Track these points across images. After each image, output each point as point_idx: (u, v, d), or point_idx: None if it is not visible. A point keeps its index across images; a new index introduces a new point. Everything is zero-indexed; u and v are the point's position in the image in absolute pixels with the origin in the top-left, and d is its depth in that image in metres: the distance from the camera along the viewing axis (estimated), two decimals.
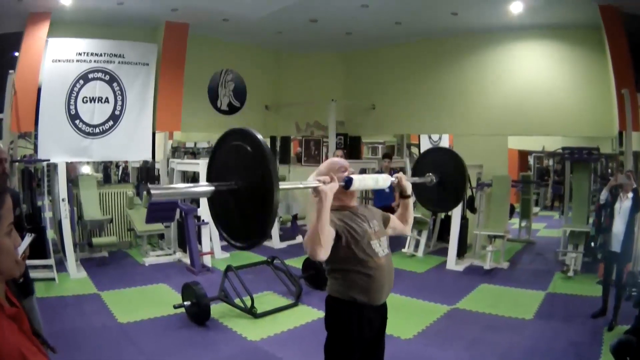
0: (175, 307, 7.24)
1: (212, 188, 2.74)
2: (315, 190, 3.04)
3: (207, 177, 3.02)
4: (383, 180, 3.65)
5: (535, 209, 17.84)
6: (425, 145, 18.13)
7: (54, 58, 10.68)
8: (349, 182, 3.32)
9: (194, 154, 17.07)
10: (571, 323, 7.41)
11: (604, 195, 8.02)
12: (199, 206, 10.73)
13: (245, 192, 2.76)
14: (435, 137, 18.10)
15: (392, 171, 8.89)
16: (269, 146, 15.34)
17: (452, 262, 10.84)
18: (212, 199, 2.95)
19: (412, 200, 3.96)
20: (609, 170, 14.16)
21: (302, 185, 3.15)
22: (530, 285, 9.44)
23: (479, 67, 12.94)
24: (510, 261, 11.30)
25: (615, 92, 10.05)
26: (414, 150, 18.53)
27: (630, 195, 7.39)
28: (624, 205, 7.42)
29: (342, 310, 3.43)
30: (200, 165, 11.09)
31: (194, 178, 12.08)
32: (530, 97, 11.99)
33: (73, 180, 11.29)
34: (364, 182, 3.50)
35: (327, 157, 14.03)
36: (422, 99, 13.89)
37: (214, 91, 13.92)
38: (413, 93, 14.05)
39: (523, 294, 9.10)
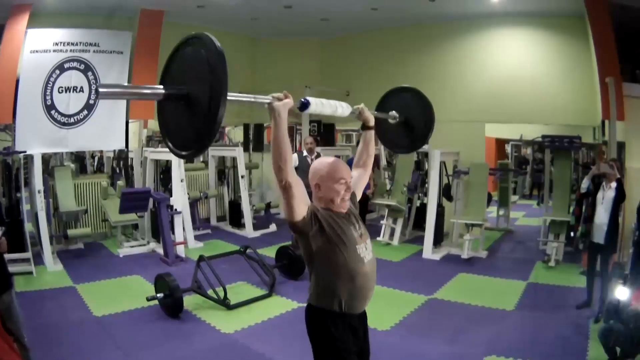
0: (148, 299, 7.12)
1: (162, 91, 2.64)
2: (269, 107, 2.92)
3: (161, 80, 2.87)
4: (342, 109, 3.52)
5: (514, 198, 17.84)
6: None
7: (32, 49, 10.60)
8: (306, 103, 3.19)
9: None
10: (555, 314, 7.37)
11: (585, 183, 7.93)
12: (171, 195, 10.63)
13: (194, 99, 2.65)
14: None
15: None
16: (246, 133, 15.49)
17: (429, 251, 10.73)
18: (162, 105, 2.89)
19: (373, 133, 3.81)
20: (591, 160, 14.15)
21: (254, 99, 2.94)
22: (511, 275, 9.39)
23: (458, 54, 12.95)
24: (488, 250, 11.24)
25: (598, 81, 10.01)
26: None
27: (614, 185, 7.31)
28: (607, 195, 7.33)
29: (325, 320, 3.22)
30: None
31: (166, 167, 11.92)
32: (512, 84, 12.02)
33: (49, 171, 11.11)
34: (322, 106, 3.34)
35: (300, 145, 14.02)
36: (398, 85, 13.77)
37: None
38: (389, 79, 13.84)
39: (503, 283, 9.05)
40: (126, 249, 10.67)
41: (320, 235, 3.11)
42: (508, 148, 22.98)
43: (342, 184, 3.24)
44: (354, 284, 3.16)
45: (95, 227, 11.82)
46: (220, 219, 14.12)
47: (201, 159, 15.05)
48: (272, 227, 13.13)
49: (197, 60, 2.67)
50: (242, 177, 12.34)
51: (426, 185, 11.96)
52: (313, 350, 3.31)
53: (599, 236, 7.31)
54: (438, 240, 11.09)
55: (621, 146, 9.77)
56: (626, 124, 9.79)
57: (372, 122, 3.74)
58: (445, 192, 11.58)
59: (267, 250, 10.16)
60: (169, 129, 2.89)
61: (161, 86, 2.68)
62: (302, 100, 3.12)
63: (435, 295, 8.20)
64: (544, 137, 11.05)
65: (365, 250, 3.26)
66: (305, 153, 10.39)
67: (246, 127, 16.02)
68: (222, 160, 14.25)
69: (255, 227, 12.91)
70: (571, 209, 10.64)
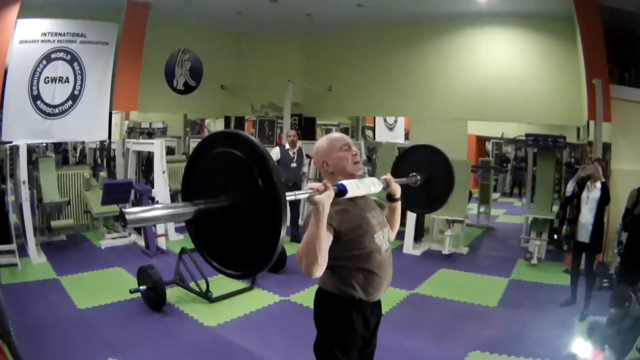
0: (131, 291, 7.10)
1: (195, 208, 2.27)
2: (311, 200, 2.66)
3: (183, 195, 2.58)
4: (375, 186, 3.30)
5: (495, 195, 17.90)
6: (381, 128, 18.24)
7: (21, 39, 10.51)
8: (343, 190, 2.92)
9: (149, 134, 16.93)
10: (539, 311, 7.42)
11: (570, 187, 7.97)
12: (153, 187, 10.64)
13: (240, 209, 2.32)
14: (390, 120, 18.19)
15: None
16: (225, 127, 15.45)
17: (409, 246, 10.77)
18: (194, 221, 2.44)
19: (400, 204, 3.67)
20: (573, 160, 14.24)
21: (295, 196, 2.59)
22: (492, 272, 9.44)
23: (443, 53, 12.99)
24: (469, 246, 11.31)
25: (585, 82, 10.05)
26: (369, 133, 18.49)
27: (599, 185, 7.36)
28: (591, 195, 7.36)
29: (337, 306, 3.13)
30: (155, 145, 10.97)
31: (148, 158, 11.90)
32: (496, 83, 12.08)
33: (33, 162, 11.06)
34: (357, 189, 3.05)
35: (280, 139, 14.04)
36: (381, 81, 13.92)
37: (170, 71, 13.88)
38: (372, 76, 14.06)
39: (485, 280, 9.12)
40: (108, 241, 10.62)
41: (337, 236, 3.00)
42: (489, 146, 23.08)
43: (345, 150, 3.22)
44: (371, 272, 3.11)
45: (78, 219, 11.74)
46: None
47: (182, 151, 15.06)
48: None
49: (228, 164, 2.35)
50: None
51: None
52: (318, 335, 3.24)
53: (583, 235, 7.35)
54: (418, 236, 11.13)
55: (607, 147, 9.83)
56: (613, 126, 9.85)
57: (398, 194, 3.61)
58: None
59: None
60: (212, 247, 2.51)
61: (191, 203, 2.30)
62: (340, 186, 2.92)
63: (417, 291, 8.24)
64: (527, 135, 11.11)
65: (383, 239, 3.23)
66: (287, 146, 10.41)
67: (227, 120, 16.04)
68: None
69: None
70: (554, 208, 10.72)
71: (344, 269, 3.09)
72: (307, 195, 2.64)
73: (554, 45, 11.47)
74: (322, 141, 3.33)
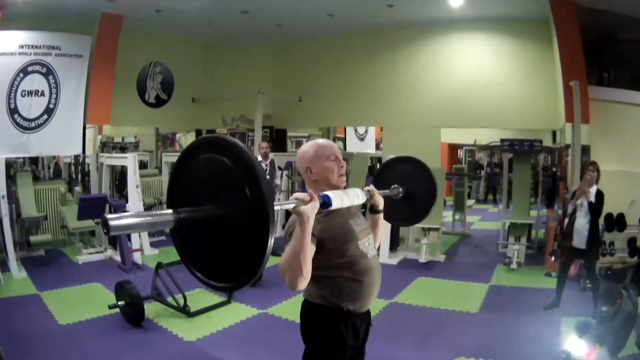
0: (110, 307, 7.07)
1: (178, 216, 2.20)
2: (296, 211, 2.61)
3: (168, 204, 2.44)
4: (359, 198, 3.21)
5: (470, 202, 17.98)
6: (352, 138, 18.35)
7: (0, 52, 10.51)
8: (328, 202, 2.85)
9: (122, 148, 16.90)
10: (522, 315, 7.43)
11: (570, 209, 7.92)
12: (127, 201, 10.58)
13: (226, 218, 2.24)
14: (361, 130, 18.29)
15: None
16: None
17: (385, 255, 10.67)
18: (178, 230, 2.38)
19: (382, 217, 3.57)
20: (550, 163, 14.32)
21: (279, 206, 2.46)
22: (471, 278, 9.47)
23: (415, 59, 13.10)
24: (446, 254, 11.33)
25: (562, 85, 10.14)
26: (339, 144, 18.52)
27: (594, 190, 7.38)
28: (586, 202, 7.40)
29: (325, 318, 3.05)
30: (129, 160, 10.92)
31: (122, 173, 11.84)
32: (470, 89, 12.19)
33: (11, 177, 10.98)
34: (341, 200, 2.98)
35: (252, 151, 14.04)
36: (352, 91, 14.03)
37: (142, 84, 13.87)
38: (343, 86, 14.14)
39: (465, 286, 9.15)
40: (85, 256, 10.55)
41: (320, 246, 2.93)
42: (461, 153, 23.20)
43: (332, 160, 3.13)
44: (358, 281, 3.05)
45: (54, 234, 11.69)
46: None
47: (154, 165, 15.00)
48: None
49: (215, 171, 2.27)
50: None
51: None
52: (306, 349, 3.16)
53: (579, 241, 7.38)
54: (394, 245, 11.13)
55: (585, 149, 9.91)
56: (591, 127, 9.96)
57: (381, 206, 3.51)
58: None
59: None
60: (196, 258, 2.43)
61: (175, 211, 2.22)
62: (324, 197, 2.85)
63: (396, 300, 8.23)
64: (502, 140, 11.17)
65: (368, 246, 3.17)
66: (259, 158, 10.36)
67: (198, 133, 16.00)
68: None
69: None
70: (532, 213, 10.80)
71: (330, 279, 3.02)
72: (292, 205, 2.59)
73: (528, 49, 11.62)
74: (309, 146, 3.22)
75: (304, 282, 2.70)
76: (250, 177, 2.16)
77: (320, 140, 3.25)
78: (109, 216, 1.95)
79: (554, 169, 13.23)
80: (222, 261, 2.31)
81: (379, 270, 3.23)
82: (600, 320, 5.50)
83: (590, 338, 5.27)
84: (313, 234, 2.82)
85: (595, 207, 7.32)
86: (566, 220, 7.70)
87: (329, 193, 2.89)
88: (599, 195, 7.36)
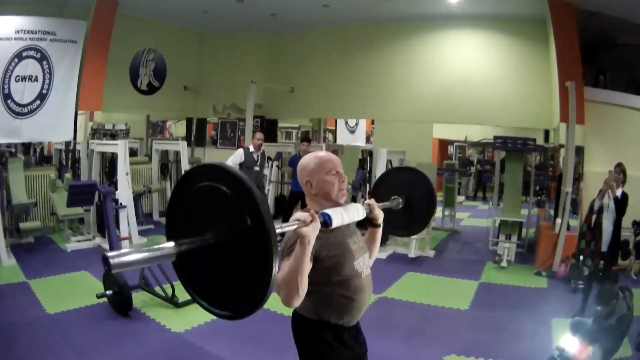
0: (98, 296, 7.05)
1: (180, 249, 2.13)
2: (297, 232, 2.51)
3: (167, 234, 2.39)
4: (359, 213, 3.11)
5: (460, 198, 18.00)
6: (342, 131, 18.39)
7: None
8: (329, 221, 2.77)
9: (113, 135, 16.86)
10: (513, 313, 7.46)
11: (597, 205, 7.87)
12: (116, 188, 10.50)
13: (227, 246, 2.17)
14: (351, 123, 18.31)
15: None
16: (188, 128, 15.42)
17: None
18: (180, 260, 2.24)
19: (380, 231, 3.48)
20: (543, 161, 14.32)
21: (281, 228, 2.38)
22: (461, 275, 9.48)
23: (409, 54, 13.17)
24: (435, 250, 11.36)
25: (558, 85, 10.13)
26: (329, 136, 18.55)
27: (619, 192, 7.35)
28: (612, 203, 7.35)
29: (314, 330, 3.02)
30: (119, 147, 10.83)
31: (112, 160, 11.83)
32: (464, 86, 12.24)
33: (3, 163, 10.99)
34: (341, 218, 2.90)
35: (243, 141, 14.01)
36: (345, 83, 14.07)
37: (135, 71, 13.88)
38: (335, 77, 14.13)
39: (454, 283, 9.15)
40: (73, 244, 10.53)
41: (315, 261, 2.86)
42: (451, 149, 23.22)
43: (334, 175, 3.06)
44: (350, 299, 3.01)
45: (44, 221, 11.63)
46: (162, 214, 13.73)
47: (144, 153, 14.96)
48: None
49: (214, 200, 2.21)
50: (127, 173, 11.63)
51: (370, 183, 11.95)
52: (299, 355, 3.14)
53: (604, 244, 7.35)
54: (383, 239, 11.00)
55: (579, 150, 9.91)
56: (586, 128, 10.01)
57: (381, 220, 3.40)
58: None
59: None
60: (199, 286, 2.37)
61: (176, 243, 2.14)
62: (325, 216, 2.78)
63: (385, 295, 8.22)
64: (496, 138, 11.15)
65: (363, 265, 3.14)
66: (251, 149, 10.33)
67: (189, 122, 16.08)
68: (165, 154, 14.22)
69: None
70: (523, 211, 10.80)
71: (322, 294, 2.97)
72: (294, 227, 2.50)
73: (524, 48, 11.67)
74: (310, 159, 3.14)
75: (298, 300, 2.66)
76: (249, 203, 2.10)
77: (322, 153, 3.19)
78: (109, 254, 1.89)
79: (550, 169, 13.26)
80: (225, 290, 2.26)
81: (371, 288, 3.22)
82: (594, 320, 5.50)
83: (583, 336, 5.28)
84: (318, 256, 2.85)
85: (621, 205, 7.30)
86: (594, 217, 7.64)
87: (329, 211, 2.83)
88: (624, 196, 7.35)
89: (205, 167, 2.31)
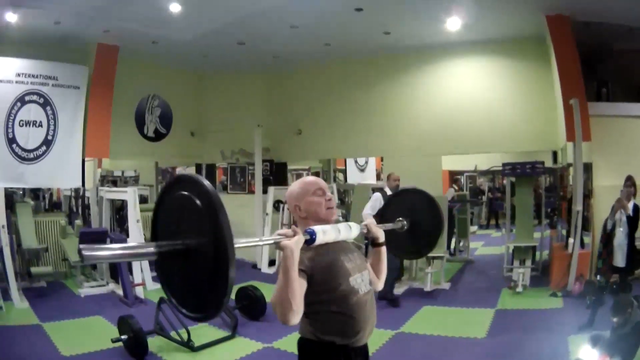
0: (113, 340, 6.99)
1: (152, 249, 2.28)
2: (279, 246, 2.59)
3: (152, 235, 2.55)
4: (350, 230, 3.10)
5: (473, 228, 17.92)
6: (352, 170, 18.36)
7: None
8: (312, 234, 2.77)
9: (114, 182, 16.88)
10: (530, 336, 7.35)
11: (609, 224, 7.85)
12: (128, 236, 10.52)
13: (194, 252, 2.28)
14: (361, 161, 18.27)
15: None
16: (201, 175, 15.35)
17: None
18: (160, 262, 2.46)
19: (385, 250, 3.43)
20: (552, 183, 14.28)
21: (262, 242, 2.65)
22: (477, 304, 9.37)
23: (412, 86, 13.14)
24: (451, 281, 11.24)
25: (562, 103, 10.11)
26: (340, 175, 18.52)
27: (631, 205, 7.36)
28: (624, 217, 7.37)
29: (319, 354, 3.00)
30: (129, 194, 10.91)
31: (122, 207, 11.86)
32: (468, 114, 12.19)
33: (11, 207, 11.00)
34: (328, 234, 2.88)
35: (253, 185, 14.02)
36: (351, 121, 14.02)
37: (140, 117, 13.81)
38: (341, 115, 14.08)
39: (471, 312, 9.05)
40: (87, 289, 10.51)
41: (310, 282, 2.89)
42: (462, 179, 23.18)
43: (319, 194, 3.13)
44: (349, 316, 2.97)
45: (56, 266, 11.64)
46: None
47: (155, 200, 14.94)
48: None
49: (188, 208, 2.33)
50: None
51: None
52: None
53: (618, 259, 7.34)
54: (398, 275, 10.98)
55: (587, 167, 9.87)
56: (591, 144, 9.93)
57: (382, 239, 3.39)
58: None
59: None
60: (172, 288, 2.54)
61: (151, 244, 2.32)
62: (309, 231, 2.78)
63: (402, 329, 8.10)
64: (504, 165, 11.13)
65: (361, 282, 3.11)
66: (388, 191, 10.21)
67: (198, 167, 15.98)
68: None
69: None
70: (536, 235, 10.75)
71: (320, 314, 2.98)
72: (273, 241, 2.60)
73: (525, 69, 11.67)
74: (295, 185, 3.26)
75: (295, 316, 2.70)
76: (210, 210, 2.23)
77: (307, 178, 3.30)
78: (82, 245, 2.03)
79: (560, 189, 13.21)
80: (194, 293, 2.39)
81: (373, 305, 3.18)
82: (611, 331, 5.53)
83: (602, 348, 5.28)
84: (304, 271, 2.84)
85: (634, 220, 7.30)
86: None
87: (314, 227, 2.84)
88: (635, 211, 7.33)
89: (181, 177, 2.63)
